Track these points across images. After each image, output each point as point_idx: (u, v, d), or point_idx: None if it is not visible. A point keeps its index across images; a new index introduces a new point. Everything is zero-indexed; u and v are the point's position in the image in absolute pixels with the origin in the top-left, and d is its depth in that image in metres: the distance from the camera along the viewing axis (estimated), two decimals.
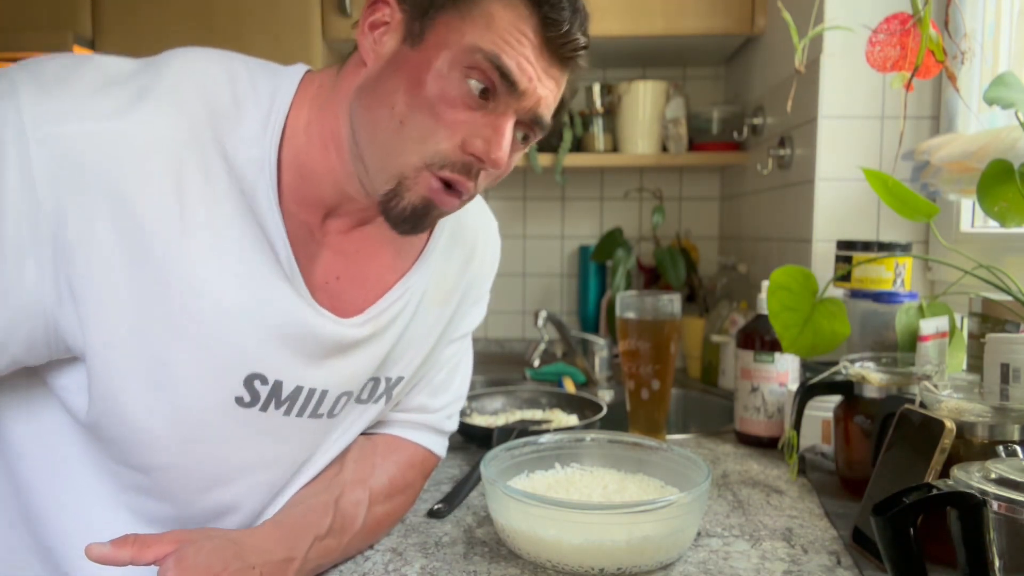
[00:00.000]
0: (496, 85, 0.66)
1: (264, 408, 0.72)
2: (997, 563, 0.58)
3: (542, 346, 1.89)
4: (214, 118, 0.67)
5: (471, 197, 0.72)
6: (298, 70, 0.74)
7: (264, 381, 0.70)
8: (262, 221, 0.69)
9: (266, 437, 0.73)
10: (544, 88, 0.69)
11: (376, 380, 0.81)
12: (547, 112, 0.71)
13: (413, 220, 0.70)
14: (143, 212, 0.63)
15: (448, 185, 0.69)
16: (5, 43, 1.73)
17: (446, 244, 0.85)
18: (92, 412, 0.67)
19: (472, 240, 0.89)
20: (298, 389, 0.73)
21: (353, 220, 0.76)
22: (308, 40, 1.74)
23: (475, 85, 0.66)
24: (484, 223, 0.92)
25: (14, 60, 1.82)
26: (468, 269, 0.89)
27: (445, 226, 0.84)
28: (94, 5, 1.76)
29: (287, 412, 0.74)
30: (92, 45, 1.76)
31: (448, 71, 0.66)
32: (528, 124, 0.71)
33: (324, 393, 0.75)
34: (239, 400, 0.70)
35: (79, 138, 0.61)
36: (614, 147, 1.94)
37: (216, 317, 0.67)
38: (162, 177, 0.64)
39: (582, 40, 0.69)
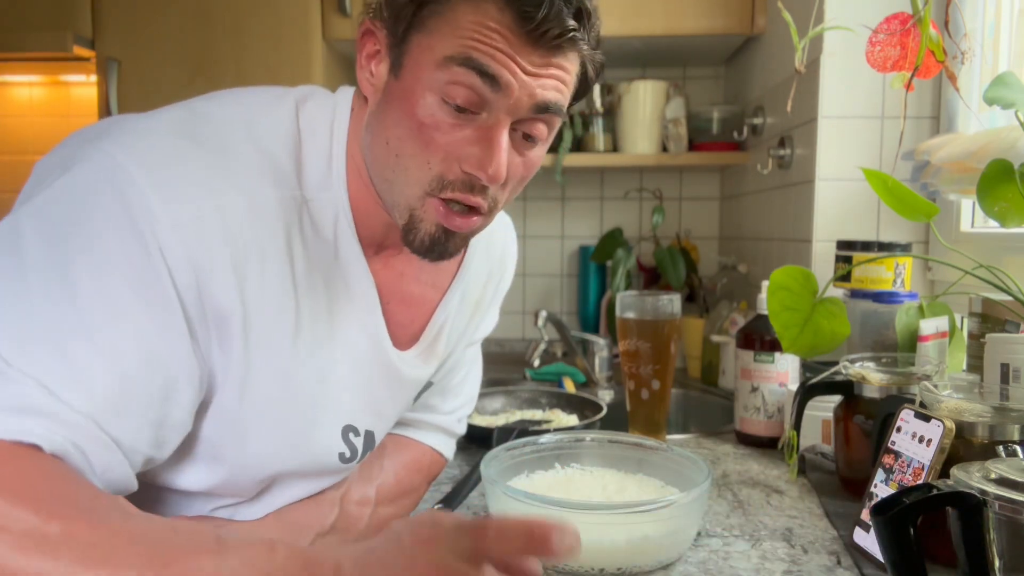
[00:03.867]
0: (479, 89, 0.62)
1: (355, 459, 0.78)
2: (997, 563, 0.58)
3: (542, 346, 1.89)
4: (286, 169, 0.67)
5: (492, 211, 0.69)
6: (346, 95, 0.73)
7: (356, 433, 0.76)
8: (345, 269, 0.71)
9: None
10: (541, 81, 0.64)
11: None
12: (556, 97, 0.65)
13: (436, 248, 0.68)
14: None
15: (461, 205, 0.66)
16: (5, 43, 1.73)
17: (480, 258, 0.86)
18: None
19: (500, 254, 0.91)
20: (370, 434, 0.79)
21: (398, 247, 0.76)
22: (308, 40, 1.74)
23: (459, 93, 0.62)
24: (512, 237, 0.94)
25: (14, 60, 1.84)
26: (492, 279, 0.91)
27: (480, 240, 0.83)
28: (94, 5, 1.75)
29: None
30: (92, 45, 1.76)
31: (429, 94, 0.63)
32: (532, 120, 0.66)
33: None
34: (341, 456, 0.75)
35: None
36: (614, 147, 1.94)
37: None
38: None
39: (570, 22, 0.62)
